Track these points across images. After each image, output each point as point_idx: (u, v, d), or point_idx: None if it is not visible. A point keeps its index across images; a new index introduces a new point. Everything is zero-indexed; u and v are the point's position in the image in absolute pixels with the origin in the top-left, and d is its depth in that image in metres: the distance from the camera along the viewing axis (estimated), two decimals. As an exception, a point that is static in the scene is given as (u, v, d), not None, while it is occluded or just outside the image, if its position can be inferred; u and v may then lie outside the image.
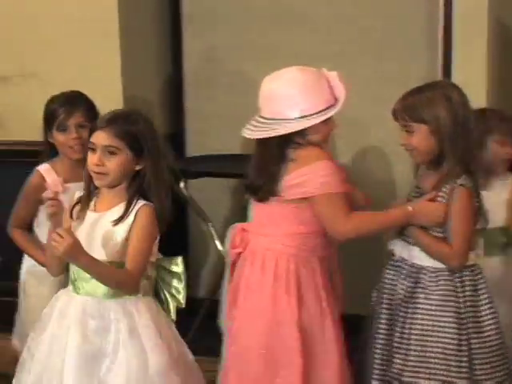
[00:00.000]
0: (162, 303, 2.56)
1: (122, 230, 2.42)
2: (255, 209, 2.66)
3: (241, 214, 3.67)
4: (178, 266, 2.56)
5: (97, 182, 2.45)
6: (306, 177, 2.49)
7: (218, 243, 3.63)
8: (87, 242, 2.39)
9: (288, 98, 2.50)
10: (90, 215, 2.47)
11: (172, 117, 4.25)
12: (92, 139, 2.42)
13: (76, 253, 2.29)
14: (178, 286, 2.56)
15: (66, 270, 2.52)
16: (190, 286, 4.18)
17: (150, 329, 2.42)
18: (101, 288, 2.42)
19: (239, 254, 2.65)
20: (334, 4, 3.83)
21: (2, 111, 4.03)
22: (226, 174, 3.68)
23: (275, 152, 2.52)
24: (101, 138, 2.40)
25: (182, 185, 3.66)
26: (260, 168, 2.57)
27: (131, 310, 2.42)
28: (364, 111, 3.63)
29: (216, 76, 4.05)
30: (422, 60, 3.70)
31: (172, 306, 2.54)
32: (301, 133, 2.50)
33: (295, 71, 2.55)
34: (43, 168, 3.05)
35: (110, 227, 2.41)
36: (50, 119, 3.07)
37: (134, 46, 3.94)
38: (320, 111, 2.49)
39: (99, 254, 2.40)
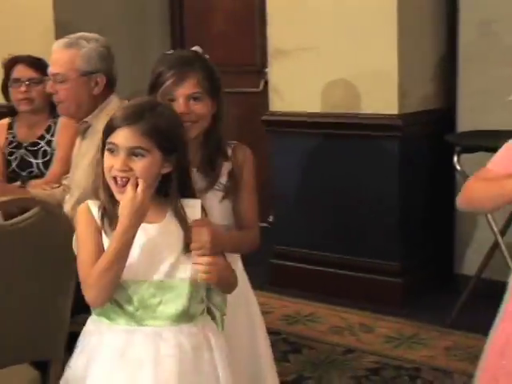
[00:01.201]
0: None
1: None
2: None
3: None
4: None
5: (118, 196, 1.94)
6: None
7: (489, 220, 3.57)
8: (158, 262, 1.95)
9: None
10: (145, 227, 1.96)
11: (445, 93, 4.23)
12: (113, 139, 1.92)
13: (226, 271, 2.01)
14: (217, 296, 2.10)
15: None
16: (453, 263, 4.19)
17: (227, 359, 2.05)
18: (174, 310, 1.96)
19: None
20: None
21: (281, 83, 4.24)
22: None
23: None
24: (125, 137, 1.90)
25: (455, 159, 3.65)
26: None
27: (208, 336, 2.03)
28: None
29: (490, 51, 3.96)
30: None
31: (219, 315, 2.08)
32: None
33: None
34: None
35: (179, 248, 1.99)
36: (154, 84, 2.26)
37: (410, 20, 3.96)
38: None
39: (183, 272, 1.97)
